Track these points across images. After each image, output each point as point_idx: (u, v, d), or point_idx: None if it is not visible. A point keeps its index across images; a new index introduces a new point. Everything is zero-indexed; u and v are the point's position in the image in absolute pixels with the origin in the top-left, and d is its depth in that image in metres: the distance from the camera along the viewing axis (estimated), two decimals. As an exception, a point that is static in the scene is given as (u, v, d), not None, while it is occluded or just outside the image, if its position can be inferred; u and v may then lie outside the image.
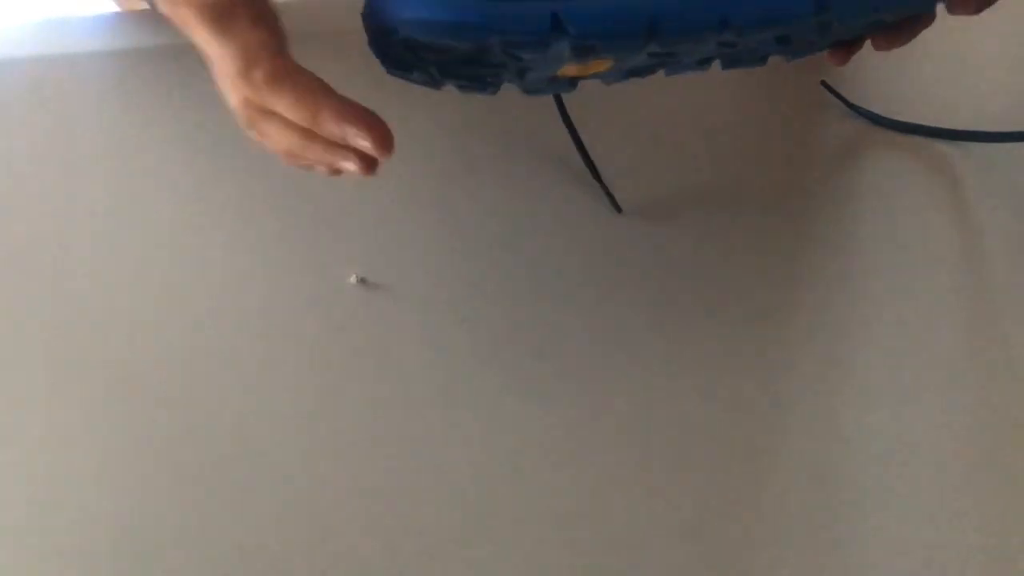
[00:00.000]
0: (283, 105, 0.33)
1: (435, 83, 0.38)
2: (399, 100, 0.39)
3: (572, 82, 0.39)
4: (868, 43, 0.41)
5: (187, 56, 0.54)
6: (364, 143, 0.33)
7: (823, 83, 0.52)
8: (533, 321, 0.44)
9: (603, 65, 0.36)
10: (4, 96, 0.52)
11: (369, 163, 0.35)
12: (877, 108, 0.52)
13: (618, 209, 0.47)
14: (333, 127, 0.33)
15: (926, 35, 0.56)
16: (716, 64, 0.40)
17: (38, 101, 0.52)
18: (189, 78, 0.52)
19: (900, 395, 0.42)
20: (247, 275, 0.45)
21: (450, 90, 0.39)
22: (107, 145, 0.50)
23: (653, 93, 0.50)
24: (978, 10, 0.40)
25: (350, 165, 0.35)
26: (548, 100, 0.45)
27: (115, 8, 0.59)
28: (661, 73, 0.39)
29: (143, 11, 0.57)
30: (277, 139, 0.34)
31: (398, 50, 0.35)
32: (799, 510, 0.39)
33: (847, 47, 0.40)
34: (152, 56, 0.53)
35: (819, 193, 0.49)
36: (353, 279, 0.45)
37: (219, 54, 0.33)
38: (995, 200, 0.48)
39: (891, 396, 0.42)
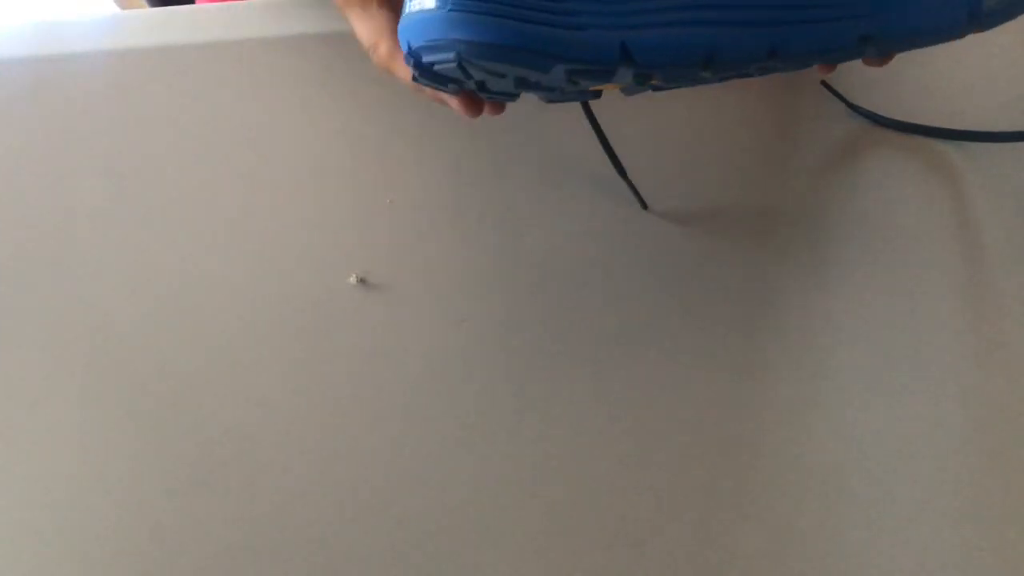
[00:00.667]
0: (399, 75, 0.38)
1: (469, 94, 0.38)
2: (413, 98, 0.39)
3: (597, 93, 0.39)
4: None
5: (187, 56, 0.54)
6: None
7: (823, 83, 0.52)
8: (533, 321, 0.44)
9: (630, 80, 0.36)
10: (4, 96, 0.52)
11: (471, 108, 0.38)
12: (877, 108, 0.52)
13: (644, 206, 0.47)
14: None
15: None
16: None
17: (38, 101, 0.52)
18: (189, 78, 0.52)
19: (900, 395, 0.42)
20: (247, 275, 0.45)
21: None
22: (107, 145, 0.50)
23: (652, 100, 0.50)
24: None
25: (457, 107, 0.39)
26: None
27: (115, 8, 0.59)
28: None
29: (143, 11, 0.57)
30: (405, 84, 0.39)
31: (443, 67, 0.34)
32: (800, 510, 0.39)
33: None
34: (152, 56, 0.53)
35: (819, 193, 0.49)
36: (353, 279, 0.45)
37: (356, 30, 0.40)
38: (995, 200, 0.48)
39: (891, 396, 0.42)
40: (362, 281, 0.45)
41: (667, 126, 0.51)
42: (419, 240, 0.46)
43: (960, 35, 0.36)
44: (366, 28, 0.39)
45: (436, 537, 0.38)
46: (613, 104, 0.45)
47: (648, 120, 0.51)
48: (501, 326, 0.43)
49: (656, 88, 0.39)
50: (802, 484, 0.39)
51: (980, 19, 0.35)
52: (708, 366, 0.43)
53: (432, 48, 0.32)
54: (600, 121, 0.47)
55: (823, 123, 0.51)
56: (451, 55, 0.31)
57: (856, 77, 0.53)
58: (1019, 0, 0.35)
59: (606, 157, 0.49)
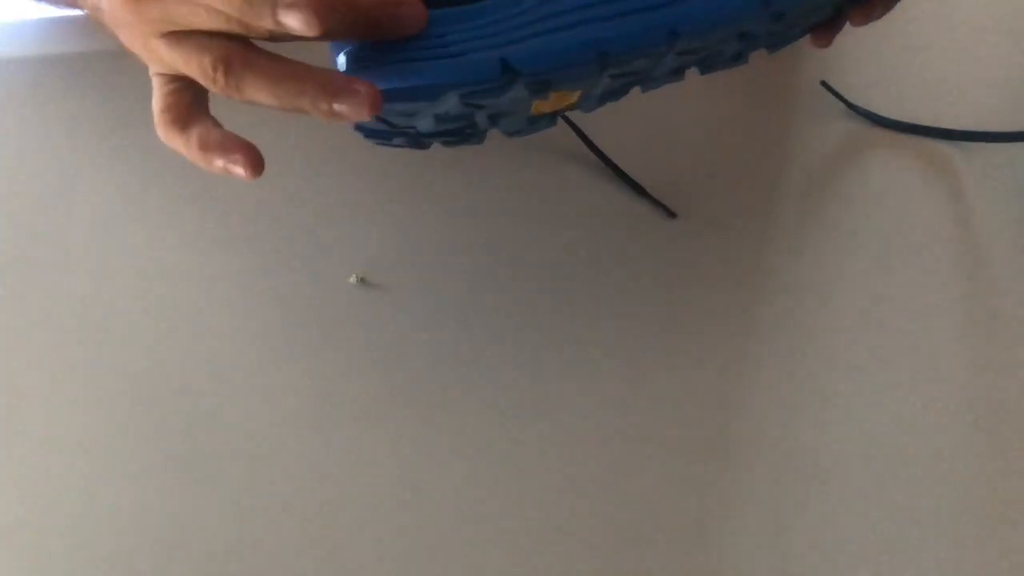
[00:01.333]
0: None
1: (419, 144, 0.39)
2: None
3: (551, 118, 0.39)
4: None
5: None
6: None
7: (823, 83, 0.52)
8: (534, 321, 0.44)
9: (573, 96, 0.37)
10: (4, 96, 0.52)
11: None
12: (877, 108, 0.52)
13: (672, 215, 0.47)
14: None
15: (926, 35, 0.56)
16: (695, 71, 0.40)
17: (38, 101, 0.52)
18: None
19: (900, 395, 0.42)
20: (247, 274, 0.45)
21: (437, 148, 0.40)
22: (107, 145, 0.50)
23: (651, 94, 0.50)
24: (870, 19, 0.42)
25: None
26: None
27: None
28: (637, 90, 0.40)
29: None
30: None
31: (371, 123, 0.36)
32: (800, 510, 0.39)
33: (828, 27, 0.40)
34: (152, 56, 0.53)
35: (819, 193, 0.49)
36: (353, 279, 0.45)
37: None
38: (995, 200, 0.48)
39: (891, 396, 0.42)
40: (362, 281, 0.45)
41: (667, 126, 0.51)
42: (419, 240, 0.46)
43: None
44: None
45: (435, 537, 0.38)
46: (606, 109, 0.45)
47: (648, 121, 0.51)
48: (501, 326, 0.43)
49: (608, 98, 0.39)
50: (802, 484, 0.39)
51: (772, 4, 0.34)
52: (708, 365, 0.43)
53: None
54: (597, 127, 0.47)
55: (823, 123, 0.51)
56: None
57: (856, 77, 0.54)
58: None
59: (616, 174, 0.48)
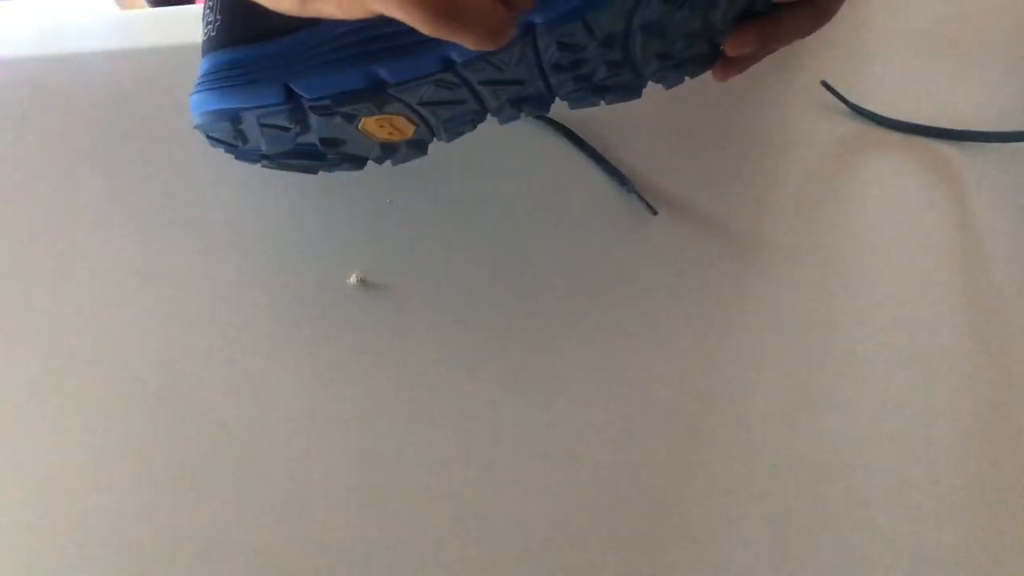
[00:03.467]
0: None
1: (285, 166, 0.44)
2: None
3: (417, 145, 0.43)
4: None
5: (187, 56, 0.54)
6: None
7: (823, 83, 0.52)
8: (534, 321, 0.44)
9: (408, 130, 0.41)
10: (4, 96, 0.52)
11: None
12: (877, 108, 0.52)
13: (654, 211, 0.47)
14: None
15: (926, 35, 0.56)
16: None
17: (38, 101, 0.52)
18: (189, 78, 0.52)
19: (899, 395, 0.42)
20: (247, 274, 0.45)
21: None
22: (107, 145, 0.50)
23: (650, 95, 0.50)
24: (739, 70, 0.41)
25: None
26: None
27: (115, 8, 0.59)
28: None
29: (143, 11, 0.57)
30: None
31: (222, 137, 0.42)
32: (800, 510, 0.39)
33: (723, 65, 0.41)
34: (152, 56, 0.53)
35: (819, 193, 0.49)
36: (353, 279, 0.45)
37: None
38: (995, 200, 0.48)
39: (890, 396, 0.42)
40: (362, 281, 0.45)
41: (667, 127, 0.51)
42: (419, 240, 0.46)
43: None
44: None
45: (435, 536, 0.38)
46: (611, 111, 0.45)
47: (648, 121, 0.51)
48: (501, 326, 0.43)
49: (453, 132, 0.42)
50: (802, 484, 0.39)
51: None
52: (708, 366, 0.43)
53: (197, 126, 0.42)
54: (597, 129, 0.48)
55: (823, 123, 0.51)
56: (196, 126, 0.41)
57: (856, 77, 0.54)
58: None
59: (606, 172, 0.49)
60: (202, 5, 0.42)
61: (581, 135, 0.50)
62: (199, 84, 0.40)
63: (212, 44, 0.40)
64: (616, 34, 0.37)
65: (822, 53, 0.55)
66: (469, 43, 0.30)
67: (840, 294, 0.45)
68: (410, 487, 0.39)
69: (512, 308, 0.44)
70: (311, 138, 0.41)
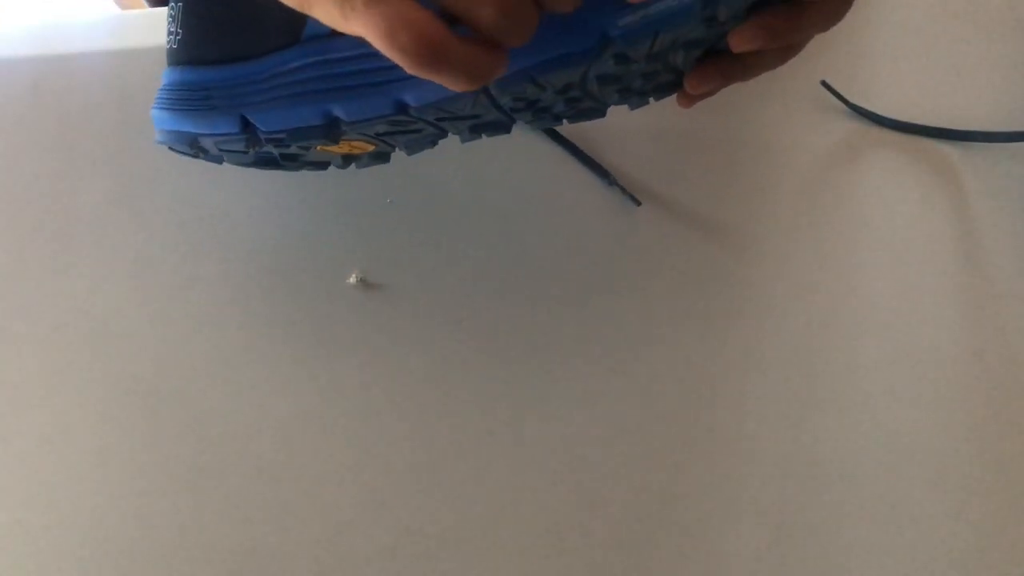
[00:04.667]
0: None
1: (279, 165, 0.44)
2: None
3: (379, 156, 0.43)
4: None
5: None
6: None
7: (823, 83, 0.52)
8: (534, 320, 0.44)
9: (368, 147, 0.41)
10: (4, 96, 0.52)
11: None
12: (877, 108, 0.52)
13: (637, 203, 0.47)
14: None
15: (926, 35, 0.56)
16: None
17: (38, 101, 0.52)
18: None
19: (899, 395, 0.42)
20: (246, 274, 0.45)
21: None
22: (107, 145, 0.50)
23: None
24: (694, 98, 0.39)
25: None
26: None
27: (115, 8, 0.59)
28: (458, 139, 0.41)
29: (143, 11, 0.57)
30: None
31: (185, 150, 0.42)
32: (800, 510, 0.39)
33: (686, 95, 0.40)
34: (152, 56, 0.53)
35: (818, 193, 0.49)
36: (353, 279, 0.45)
37: None
38: (995, 200, 0.48)
39: (890, 396, 0.42)
40: (362, 281, 0.45)
41: (667, 127, 0.51)
42: (419, 240, 0.46)
43: (594, 58, 0.35)
44: None
45: (435, 536, 0.38)
46: (615, 112, 0.45)
47: (649, 122, 0.51)
48: (501, 326, 0.43)
49: (414, 147, 0.42)
50: (802, 484, 0.39)
51: (614, 41, 0.34)
52: (707, 365, 0.43)
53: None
54: (599, 124, 0.47)
55: (823, 123, 0.51)
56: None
57: (856, 77, 0.53)
58: (671, 15, 0.33)
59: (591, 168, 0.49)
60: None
61: (578, 139, 0.50)
62: (159, 98, 0.40)
63: (173, 58, 0.40)
64: (572, 84, 0.36)
65: (822, 53, 0.55)
66: (449, 85, 0.29)
67: (839, 293, 0.45)
68: (410, 487, 0.39)
69: (512, 307, 0.44)
70: (272, 154, 0.41)
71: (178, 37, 0.39)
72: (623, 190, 0.47)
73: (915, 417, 0.41)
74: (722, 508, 0.39)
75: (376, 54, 0.35)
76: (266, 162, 0.43)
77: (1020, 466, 0.40)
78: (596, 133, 0.50)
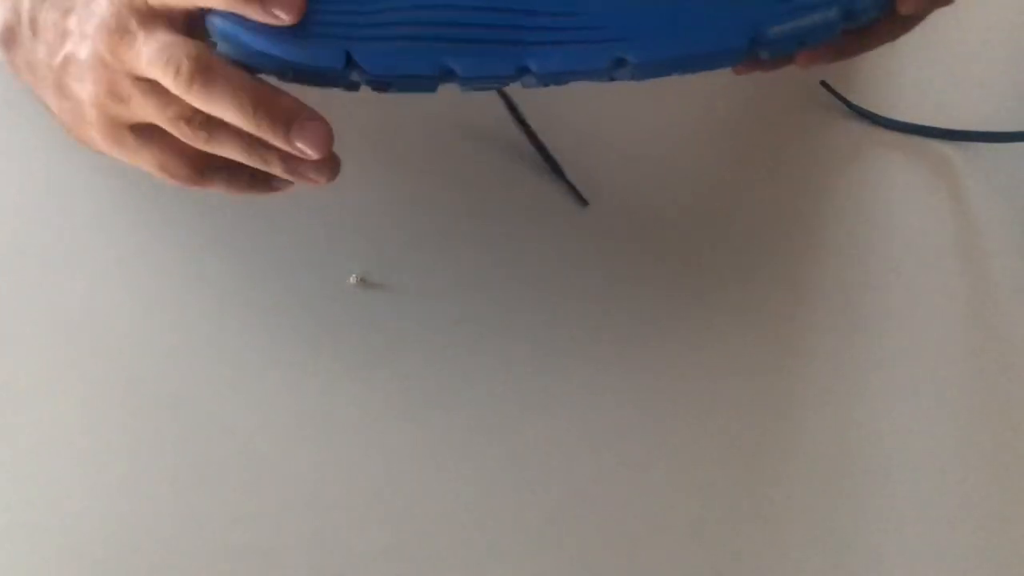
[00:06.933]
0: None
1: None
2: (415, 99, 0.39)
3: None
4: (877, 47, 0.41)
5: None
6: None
7: (823, 83, 0.52)
8: (534, 320, 0.44)
9: None
10: (4, 96, 0.52)
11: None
12: (877, 108, 0.52)
13: (584, 202, 0.47)
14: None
15: (926, 35, 0.56)
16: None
17: (38, 101, 0.52)
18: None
19: (899, 395, 0.42)
20: (246, 274, 0.45)
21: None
22: (107, 145, 0.50)
23: (651, 97, 0.50)
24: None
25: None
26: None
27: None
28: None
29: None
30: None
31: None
32: (800, 510, 0.39)
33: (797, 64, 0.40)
34: (152, 56, 0.53)
35: (819, 193, 0.49)
36: (353, 279, 0.45)
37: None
38: (995, 200, 0.48)
39: (890, 396, 0.42)
40: (362, 281, 0.45)
41: (667, 126, 0.51)
42: (419, 240, 0.46)
43: (739, 61, 0.35)
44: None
45: (435, 536, 0.38)
46: (620, 101, 0.45)
47: (649, 121, 0.51)
48: (500, 326, 0.43)
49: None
50: (802, 484, 0.39)
51: (765, 45, 0.35)
52: (707, 366, 0.43)
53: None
54: (603, 115, 0.47)
55: (823, 123, 0.51)
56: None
57: (856, 77, 0.53)
58: (815, 29, 0.35)
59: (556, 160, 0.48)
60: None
61: (578, 136, 0.50)
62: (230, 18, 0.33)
63: None
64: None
65: (822, 53, 0.55)
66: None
67: (838, 293, 0.45)
68: (409, 486, 0.39)
69: (512, 307, 0.44)
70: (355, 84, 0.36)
71: None
72: (572, 187, 0.47)
73: (915, 416, 0.41)
74: (722, 508, 0.39)
75: (505, 8, 0.33)
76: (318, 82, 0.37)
77: (1020, 466, 0.40)
78: (596, 134, 0.50)
